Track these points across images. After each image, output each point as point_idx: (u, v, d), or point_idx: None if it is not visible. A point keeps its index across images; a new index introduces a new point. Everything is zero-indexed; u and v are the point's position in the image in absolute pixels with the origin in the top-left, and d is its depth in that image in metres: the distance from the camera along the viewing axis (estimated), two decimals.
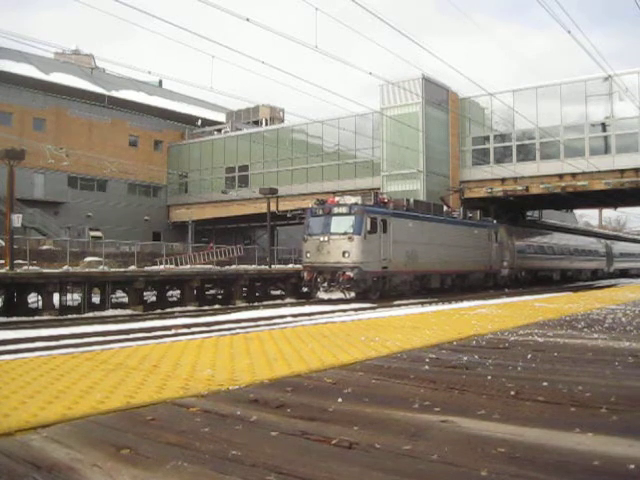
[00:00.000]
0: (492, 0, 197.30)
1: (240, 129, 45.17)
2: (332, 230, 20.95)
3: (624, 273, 53.26)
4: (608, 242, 50.95)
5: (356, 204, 21.22)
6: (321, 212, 21.65)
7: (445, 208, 27.50)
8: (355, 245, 20.52)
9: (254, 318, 14.50)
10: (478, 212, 29.63)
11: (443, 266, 25.18)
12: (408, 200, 24.67)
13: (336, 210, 21.35)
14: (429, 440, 2.17)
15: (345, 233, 20.68)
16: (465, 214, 28.21)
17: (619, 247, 54.49)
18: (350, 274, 20.21)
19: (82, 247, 30.82)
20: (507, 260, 30.73)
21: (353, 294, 20.71)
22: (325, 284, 20.90)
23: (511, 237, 31.67)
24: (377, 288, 21.75)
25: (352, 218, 20.83)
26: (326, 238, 20.92)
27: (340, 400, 2.76)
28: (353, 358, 3.99)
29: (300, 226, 28.08)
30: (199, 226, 43.03)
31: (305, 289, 23.94)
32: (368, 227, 20.80)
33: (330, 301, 20.12)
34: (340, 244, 20.64)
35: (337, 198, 22.28)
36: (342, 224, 20.89)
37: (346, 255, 20.49)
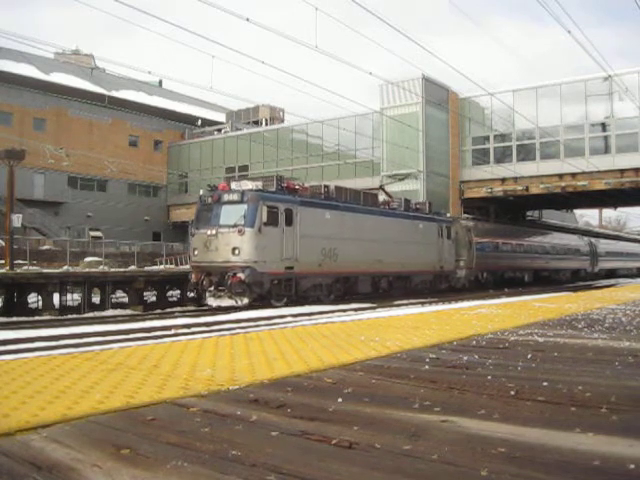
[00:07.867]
0: (492, 0, 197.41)
1: (240, 129, 45.18)
2: (221, 222, 17.24)
3: (611, 273, 50.15)
4: (592, 240, 47.08)
5: (251, 190, 17.50)
6: (210, 200, 17.94)
7: (382, 198, 24.05)
8: (247, 240, 16.85)
9: (254, 318, 14.49)
10: (427, 204, 25.98)
11: (375, 266, 21.31)
12: (327, 187, 20.67)
13: (226, 197, 17.56)
14: (429, 440, 2.16)
15: (235, 225, 16.92)
16: (408, 206, 24.19)
17: (605, 245, 50.58)
18: (241, 276, 16.55)
19: (82, 247, 30.82)
20: (464, 259, 27.10)
21: (246, 300, 16.89)
22: (212, 288, 17.27)
23: (469, 233, 27.86)
24: (280, 293, 18.02)
25: (244, 207, 17.13)
26: (214, 231, 17.18)
27: (340, 400, 2.76)
28: (353, 358, 3.98)
29: None
30: None
31: (192, 294, 20.28)
32: (264, 218, 17.09)
33: (220, 309, 16.70)
34: (229, 239, 16.96)
35: (233, 184, 18.28)
36: (232, 214, 17.15)
37: (236, 252, 16.82)
